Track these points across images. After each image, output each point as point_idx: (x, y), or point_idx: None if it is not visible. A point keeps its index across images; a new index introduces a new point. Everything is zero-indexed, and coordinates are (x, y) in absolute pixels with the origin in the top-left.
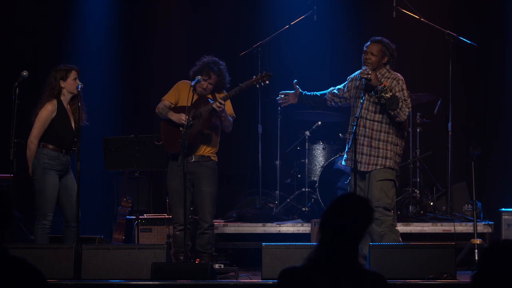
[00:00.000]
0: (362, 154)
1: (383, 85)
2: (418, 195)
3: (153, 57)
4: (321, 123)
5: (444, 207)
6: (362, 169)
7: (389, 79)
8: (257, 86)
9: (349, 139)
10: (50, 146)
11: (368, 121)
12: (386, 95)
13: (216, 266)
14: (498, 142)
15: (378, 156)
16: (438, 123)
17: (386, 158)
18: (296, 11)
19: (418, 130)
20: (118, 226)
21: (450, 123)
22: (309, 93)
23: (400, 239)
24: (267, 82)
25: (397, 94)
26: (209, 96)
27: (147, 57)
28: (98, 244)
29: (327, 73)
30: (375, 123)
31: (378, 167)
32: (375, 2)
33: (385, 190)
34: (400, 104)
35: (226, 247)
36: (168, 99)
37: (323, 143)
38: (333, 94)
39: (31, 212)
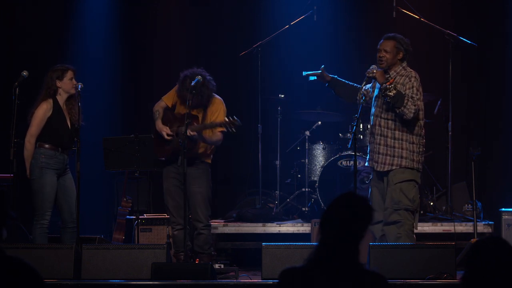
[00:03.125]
0: (379, 153)
1: (388, 83)
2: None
3: (153, 57)
4: (321, 123)
5: (444, 207)
6: (378, 169)
7: (403, 77)
8: (225, 130)
9: (368, 139)
10: (46, 146)
11: (383, 120)
12: (390, 93)
13: (216, 266)
14: (498, 142)
15: (393, 156)
16: (438, 123)
17: (401, 157)
18: (296, 11)
19: None
20: (118, 226)
21: (450, 123)
22: (341, 79)
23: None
24: (234, 130)
25: (406, 91)
26: (200, 112)
27: (147, 57)
28: (98, 244)
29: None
30: (389, 122)
31: (394, 167)
32: (375, 2)
33: (404, 192)
34: (405, 101)
35: (226, 247)
36: (165, 100)
37: (323, 143)
38: (366, 89)
39: (31, 212)
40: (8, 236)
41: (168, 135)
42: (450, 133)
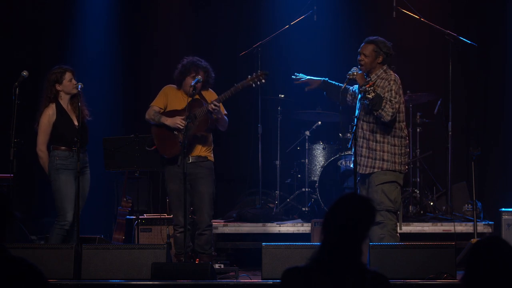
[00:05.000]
0: (361, 156)
1: (368, 85)
2: (418, 195)
3: (153, 57)
4: (321, 123)
5: (444, 207)
6: (361, 172)
7: (383, 80)
8: (253, 85)
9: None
10: (61, 148)
11: (365, 123)
12: (369, 95)
13: (216, 266)
14: (498, 142)
15: (375, 159)
16: (438, 123)
17: (383, 160)
18: (296, 11)
19: (418, 130)
20: (118, 226)
21: (450, 123)
22: (331, 82)
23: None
24: (263, 81)
25: (385, 94)
26: (198, 96)
27: (147, 57)
28: (98, 244)
29: (327, 73)
30: (371, 124)
31: (376, 170)
32: (375, 2)
33: (386, 193)
34: (383, 104)
35: (226, 247)
36: (157, 105)
37: (323, 143)
38: (353, 91)
39: (30, 212)
40: (8, 236)
41: (182, 122)
42: (450, 133)
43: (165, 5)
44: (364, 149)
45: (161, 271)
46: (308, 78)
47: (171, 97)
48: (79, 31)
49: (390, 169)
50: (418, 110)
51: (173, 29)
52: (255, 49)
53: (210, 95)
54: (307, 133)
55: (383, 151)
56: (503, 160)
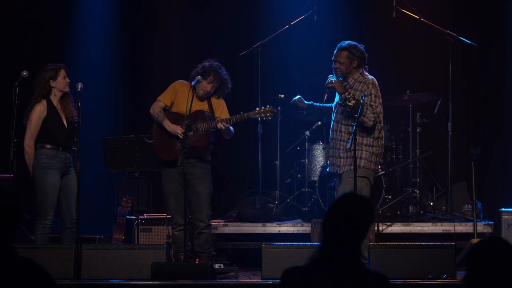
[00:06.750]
0: (340, 157)
1: (347, 93)
2: (418, 195)
3: (153, 57)
4: (321, 123)
5: (444, 207)
6: (340, 172)
7: (361, 83)
8: (259, 119)
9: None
10: (47, 146)
11: (343, 126)
12: (350, 103)
13: (216, 266)
14: (498, 142)
15: (352, 157)
16: (438, 123)
17: (360, 158)
18: (296, 11)
19: (418, 130)
20: (118, 226)
21: (450, 123)
22: (317, 104)
23: (371, 238)
24: (270, 118)
25: (365, 99)
26: (205, 106)
27: (147, 57)
28: (98, 244)
29: (326, 73)
30: (350, 128)
31: (352, 167)
32: (375, 2)
33: (356, 186)
34: (365, 110)
35: (226, 247)
36: (163, 100)
37: (323, 143)
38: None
39: (30, 212)
40: None
41: (181, 132)
42: (450, 133)
43: (165, 5)
44: (341, 151)
45: (161, 271)
46: (300, 97)
47: (180, 95)
48: (79, 31)
49: (366, 167)
50: (418, 110)
51: (173, 29)
52: (255, 49)
53: (218, 103)
54: (307, 133)
55: (362, 151)
56: (503, 160)
